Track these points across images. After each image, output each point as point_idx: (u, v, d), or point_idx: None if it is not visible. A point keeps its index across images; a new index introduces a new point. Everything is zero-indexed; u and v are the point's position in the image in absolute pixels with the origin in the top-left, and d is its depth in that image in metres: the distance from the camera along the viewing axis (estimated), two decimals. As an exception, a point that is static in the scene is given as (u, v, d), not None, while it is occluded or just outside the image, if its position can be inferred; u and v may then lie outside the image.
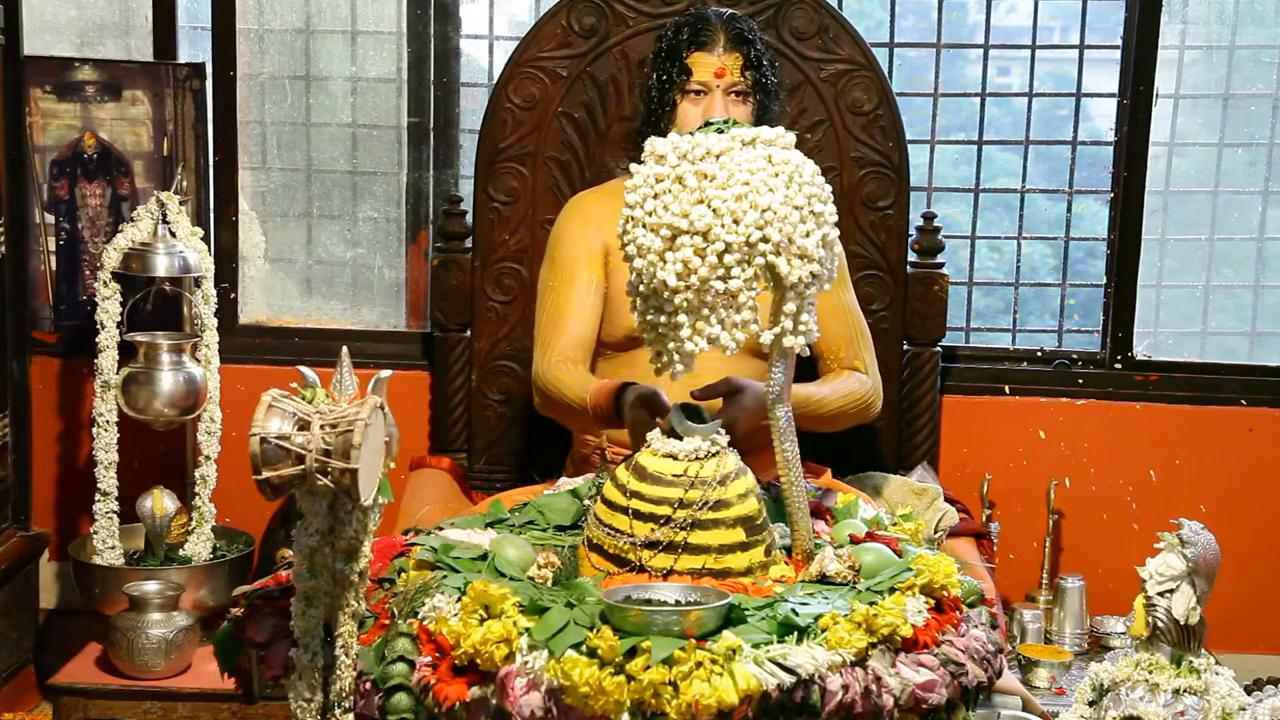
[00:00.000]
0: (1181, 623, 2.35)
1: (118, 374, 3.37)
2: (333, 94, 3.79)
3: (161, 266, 3.36)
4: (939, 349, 3.47)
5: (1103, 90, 3.70)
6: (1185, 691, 2.36)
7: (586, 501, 2.53)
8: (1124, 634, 3.46)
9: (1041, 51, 3.71)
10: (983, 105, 3.72)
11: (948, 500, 3.12)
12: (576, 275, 2.98)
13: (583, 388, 2.80)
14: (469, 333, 3.46)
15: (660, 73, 2.94)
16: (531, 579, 2.23)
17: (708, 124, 2.30)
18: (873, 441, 3.41)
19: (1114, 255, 3.67)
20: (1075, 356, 3.71)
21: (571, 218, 3.06)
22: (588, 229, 3.00)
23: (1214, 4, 3.69)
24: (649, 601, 2.08)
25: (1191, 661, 2.37)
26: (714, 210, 2.17)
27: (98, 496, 3.38)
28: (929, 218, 3.44)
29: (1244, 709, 2.38)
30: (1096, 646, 3.53)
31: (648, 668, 1.90)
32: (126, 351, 3.40)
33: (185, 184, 3.61)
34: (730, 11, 3.01)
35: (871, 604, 2.11)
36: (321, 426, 1.85)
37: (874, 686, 2.01)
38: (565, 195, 3.34)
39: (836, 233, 2.27)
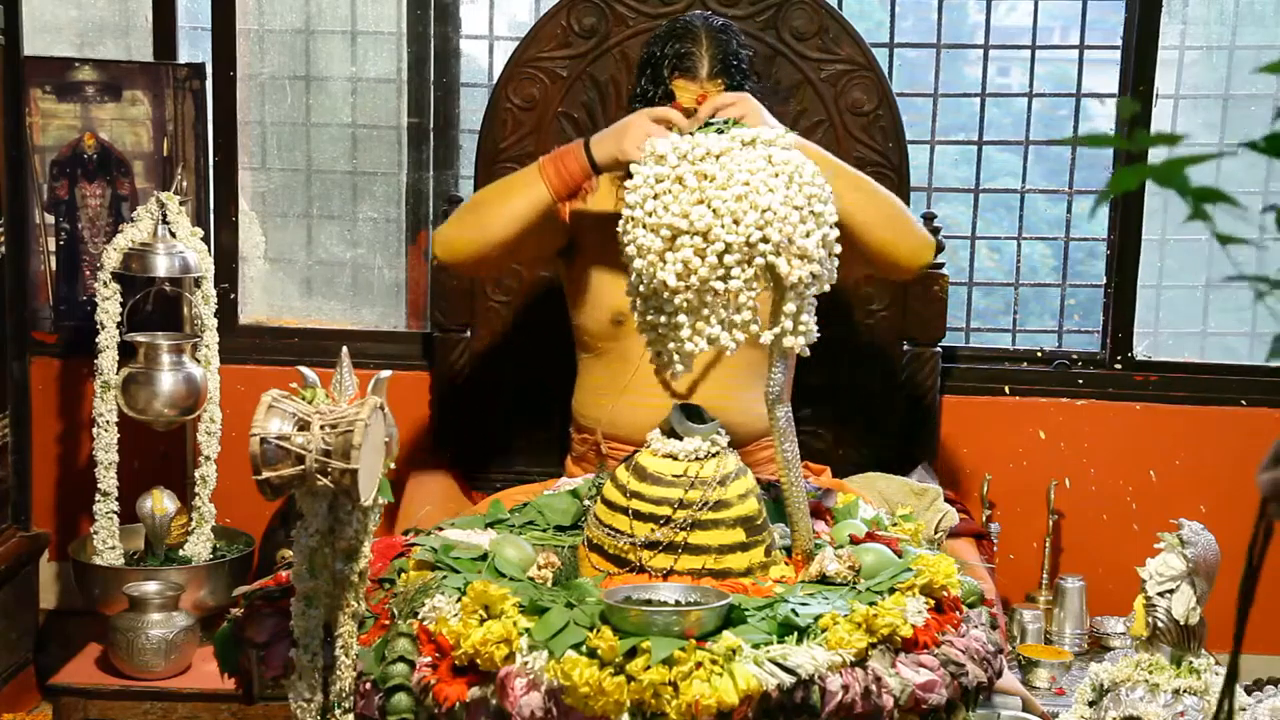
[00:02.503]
0: (1181, 623, 2.35)
1: (118, 374, 3.37)
2: (333, 94, 3.79)
3: (161, 267, 3.36)
4: (939, 349, 3.47)
5: (1103, 90, 3.70)
6: (1185, 691, 2.36)
7: (586, 501, 2.53)
8: (1124, 634, 3.46)
9: (1041, 51, 3.71)
10: (983, 105, 3.72)
11: (948, 501, 3.12)
12: None
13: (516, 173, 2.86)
14: (469, 333, 3.46)
15: (644, 89, 2.91)
16: (531, 579, 2.23)
17: (708, 124, 2.30)
18: (873, 441, 3.42)
19: (1114, 255, 3.67)
20: (1075, 357, 3.71)
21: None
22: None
23: (1214, 4, 3.69)
24: (649, 602, 2.08)
25: (1191, 661, 2.37)
26: (714, 210, 2.17)
27: (98, 496, 3.38)
28: (929, 218, 3.44)
29: (1244, 709, 2.38)
30: (1096, 646, 3.53)
31: (648, 668, 1.90)
32: (126, 351, 3.40)
33: (185, 184, 3.61)
34: (720, 25, 2.93)
35: (871, 604, 2.11)
36: (321, 427, 1.85)
37: (874, 687, 2.01)
38: (565, 195, 3.34)
39: (836, 233, 2.27)
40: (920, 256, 2.83)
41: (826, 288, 2.27)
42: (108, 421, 3.37)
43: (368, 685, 2.04)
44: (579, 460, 3.07)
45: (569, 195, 2.78)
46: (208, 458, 3.47)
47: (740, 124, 2.30)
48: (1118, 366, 3.68)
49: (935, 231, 3.43)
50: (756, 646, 1.98)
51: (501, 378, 3.45)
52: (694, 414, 2.31)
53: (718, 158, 2.22)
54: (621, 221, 2.27)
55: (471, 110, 3.72)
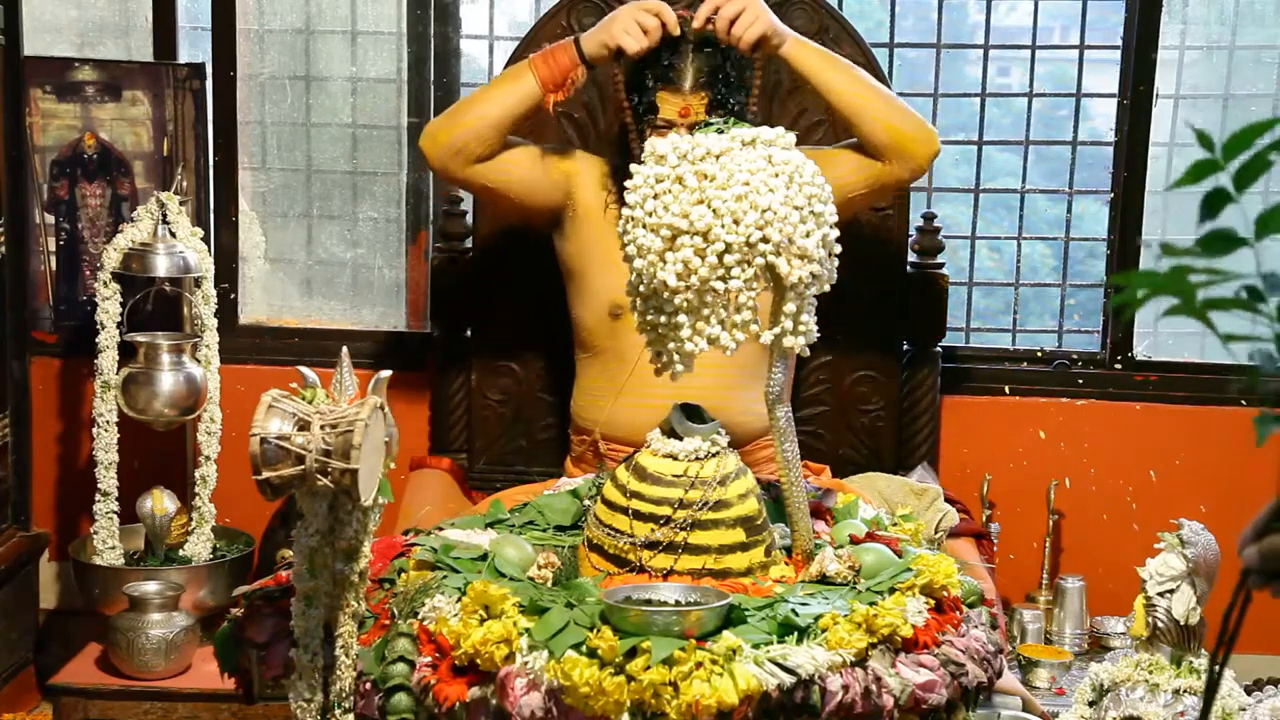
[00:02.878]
0: (1181, 623, 2.35)
1: (118, 374, 3.37)
2: (333, 94, 3.79)
3: (161, 267, 3.36)
4: (939, 349, 3.47)
5: (1103, 90, 3.70)
6: (1185, 691, 2.36)
7: (586, 501, 2.54)
8: (1124, 634, 3.46)
9: (1041, 51, 3.71)
10: (983, 105, 3.72)
11: (948, 501, 3.12)
12: (539, 146, 3.05)
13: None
14: (469, 333, 3.46)
15: (630, 98, 2.93)
16: (531, 579, 2.23)
17: (708, 124, 2.30)
18: (873, 441, 3.42)
19: (1114, 255, 3.67)
20: (1075, 357, 3.71)
21: (580, 153, 3.14)
22: (577, 154, 3.10)
23: (1214, 4, 3.69)
24: (649, 602, 2.08)
25: (1191, 661, 2.37)
26: (714, 210, 2.18)
27: (98, 496, 3.38)
28: (929, 218, 3.44)
29: (1244, 709, 2.38)
30: (1096, 646, 3.53)
31: (648, 668, 1.90)
32: (126, 351, 3.40)
33: (185, 184, 3.61)
34: (709, 34, 2.92)
35: (871, 604, 2.11)
36: (321, 427, 1.85)
37: (874, 687, 2.01)
38: (565, 195, 3.34)
39: (836, 233, 2.27)
40: (931, 142, 2.93)
41: (826, 288, 2.27)
42: (108, 421, 3.37)
43: (368, 685, 2.04)
44: (578, 461, 3.08)
45: (556, 87, 2.91)
46: (208, 458, 3.47)
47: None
48: (1118, 366, 3.68)
49: (936, 231, 3.44)
50: (756, 646, 1.98)
51: (501, 378, 3.45)
52: (694, 414, 2.31)
53: (718, 157, 2.22)
54: (621, 221, 2.27)
55: (471, 110, 3.71)
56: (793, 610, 2.08)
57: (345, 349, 2.00)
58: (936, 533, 2.97)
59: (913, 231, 3.44)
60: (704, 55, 2.90)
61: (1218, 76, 3.72)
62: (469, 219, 3.46)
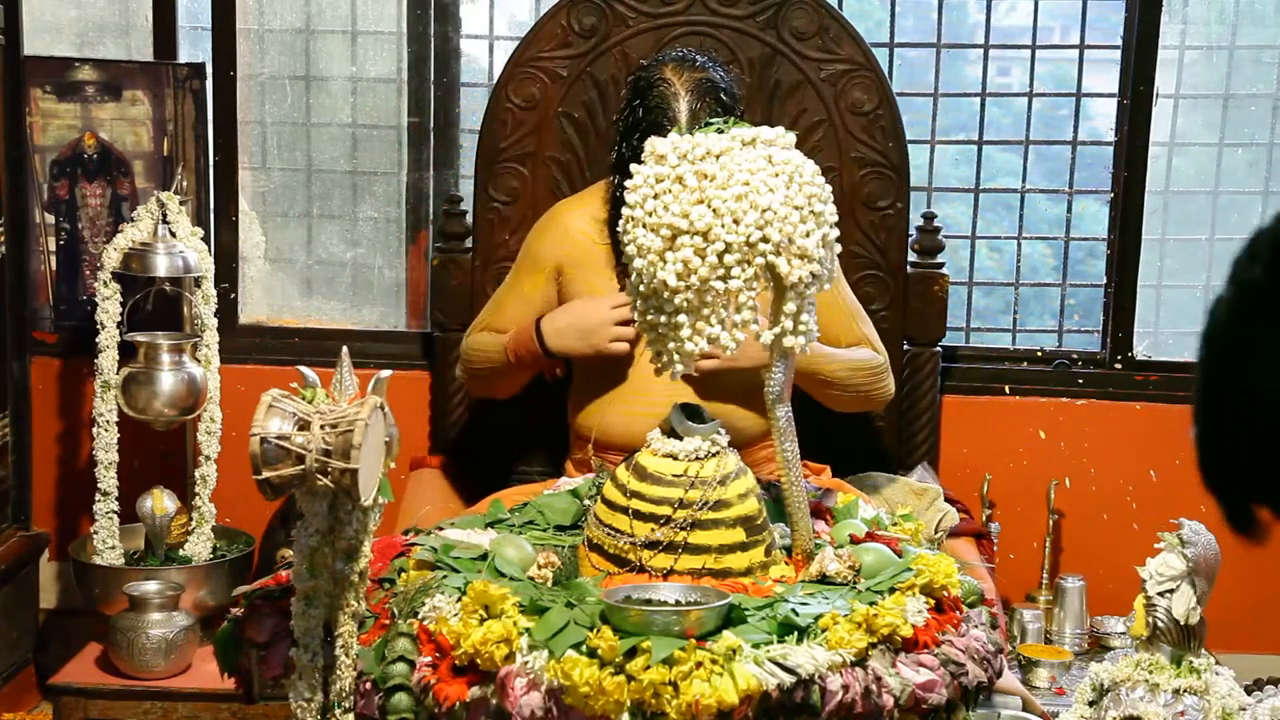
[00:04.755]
0: (1181, 623, 2.35)
1: (118, 374, 3.37)
2: (333, 94, 3.79)
3: (161, 266, 3.36)
4: (939, 349, 3.47)
5: (1103, 90, 3.70)
6: (1185, 691, 2.36)
7: (586, 501, 2.54)
8: (1124, 634, 3.46)
9: (1041, 51, 3.71)
10: (983, 105, 3.72)
11: (948, 500, 3.12)
12: (521, 280, 3.08)
13: (500, 340, 3.03)
14: (469, 333, 3.46)
15: (623, 154, 2.90)
16: (531, 579, 2.23)
17: (708, 123, 2.30)
18: (873, 441, 3.41)
19: (1114, 255, 3.67)
20: (1075, 356, 3.71)
21: (544, 228, 3.11)
22: (548, 243, 3.06)
23: (1214, 4, 3.69)
24: (649, 601, 2.08)
25: (1191, 661, 2.37)
26: (714, 210, 2.17)
27: (98, 496, 3.38)
28: (929, 218, 3.44)
29: (1244, 709, 2.38)
30: (1096, 646, 3.53)
31: (648, 668, 1.90)
32: (126, 351, 3.40)
33: (185, 184, 3.61)
34: (697, 79, 2.88)
35: (871, 604, 2.11)
36: (321, 426, 1.85)
37: (874, 686, 2.01)
38: (565, 195, 3.34)
39: (836, 233, 2.27)
40: (883, 404, 3.12)
41: (826, 287, 2.27)
42: (108, 421, 3.37)
43: (368, 685, 2.04)
44: (579, 465, 3.08)
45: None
46: (208, 458, 3.47)
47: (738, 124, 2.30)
48: (1118, 366, 3.68)
49: (936, 231, 3.44)
50: (756, 646, 1.98)
51: (501, 378, 3.44)
52: (694, 414, 2.31)
53: (718, 157, 2.22)
54: (622, 221, 2.27)
55: (471, 110, 3.72)
56: (793, 610, 2.08)
57: (345, 349, 2.00)
58: (936, 533, 2.97)
59: (913, 231, 3.44)
60: (696, 95, 2.85)
61: (1218, 76, 3.72)
62: (469, 219, 3.47)
